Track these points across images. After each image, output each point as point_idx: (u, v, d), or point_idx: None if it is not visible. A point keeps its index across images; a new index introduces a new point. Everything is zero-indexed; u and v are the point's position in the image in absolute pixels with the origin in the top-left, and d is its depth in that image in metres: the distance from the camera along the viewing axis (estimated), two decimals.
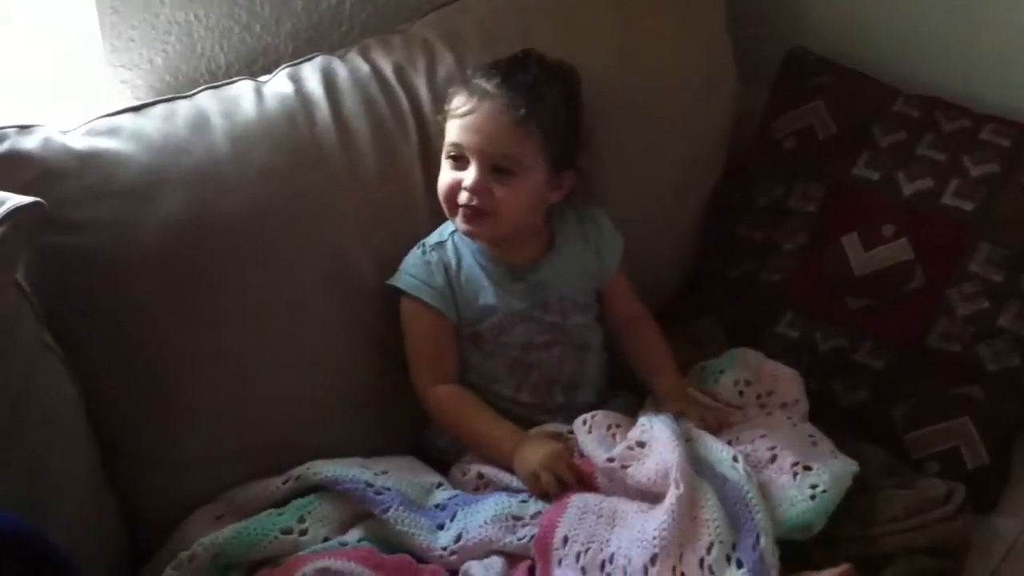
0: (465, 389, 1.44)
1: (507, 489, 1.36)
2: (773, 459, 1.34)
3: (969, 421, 1.50)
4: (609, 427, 1.40)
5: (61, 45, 1.42)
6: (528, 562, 1.28)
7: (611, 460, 1.32)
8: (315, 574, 1.22)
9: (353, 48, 1.55)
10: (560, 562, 1.25)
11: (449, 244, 1.46)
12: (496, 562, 1.27)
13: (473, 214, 1.41)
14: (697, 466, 1.30)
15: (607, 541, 1.25)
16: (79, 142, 1.32)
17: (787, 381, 1.48)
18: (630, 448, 1.33)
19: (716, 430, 1.40)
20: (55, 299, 1.29)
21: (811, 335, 1.61)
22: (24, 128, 1.30)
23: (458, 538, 1.29)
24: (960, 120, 1.63)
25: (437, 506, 1.34)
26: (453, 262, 1.45)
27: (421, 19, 1.61)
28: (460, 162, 1.42)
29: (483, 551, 1.29)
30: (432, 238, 1.47)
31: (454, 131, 1.42)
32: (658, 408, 1.44)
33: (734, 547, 1.21)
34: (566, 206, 1.51)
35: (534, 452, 1.35)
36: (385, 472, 1.36)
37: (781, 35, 1.83)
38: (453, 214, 1.43)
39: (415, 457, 1.44)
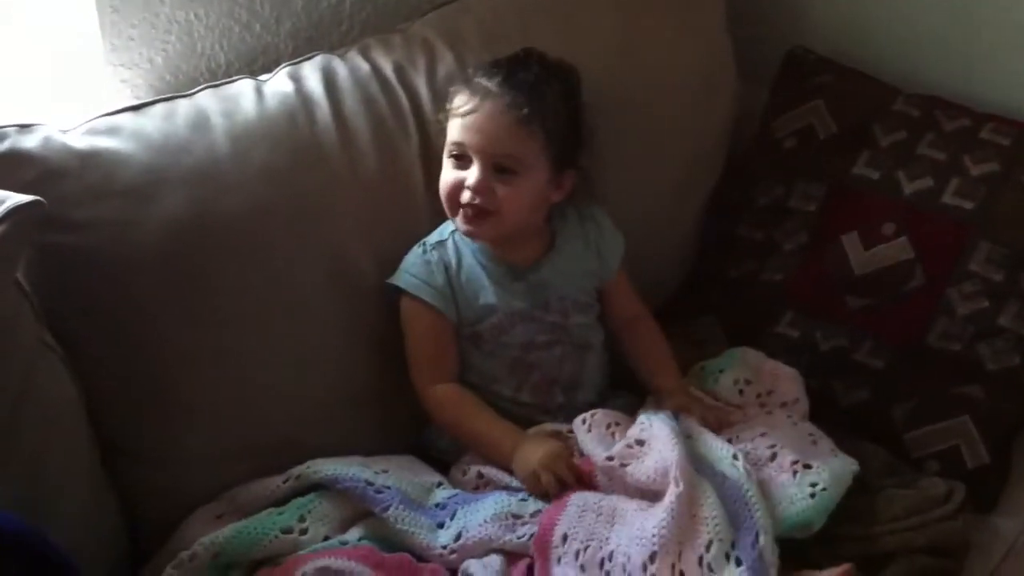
0: (465, 389, 1.44)
1: (507, 488, 1.36)
2: (773, 457, 1.34)
3: (969, 420, 1.50)
4: (608, 426, 1.40)
5: (61, 45, 1.42)
6: (527, 560, 1.28)
7: (610, 459, 1.32)
8: (315, 573, 1.22)
9: (353, 47, 1.55)
10: (559, 560, 1.25)
11: (450, 243, 1.46)
12: (495, 560, 1.27)
13: (475, 214, 1.41)
14: (697, 464, 1.30)
15: (606, 539, 1.25)
16: (79, 141, 1.32)
17: (787, 380, 1.48)
18: (629, 446, 1.33)
19: (716, 429, 1.40)
20: (55, 298, 1.29)
21: (811, 335, 1.61)
22: (24, 127, 1.30)
23: (458, 537, 1.29)
24: (960, 119, 1.63)
25: (437, 505, 1.34)
26: (453, 261, 1.45)
27: (421, 18, 1.61)
28: (462, 161, 1.41)
29: (483, 550, 1.29)
30: (433, 237, 1.47)
31: (456, 130, 1.41)
32: (659, 405, 1.44)
33: (733, 545, 1.21)
34: (567, 205, 1.51)
35: (533, 452, 1.35)
36: (385, 471, 1.36)
37: (781, 34, 1.83)
38: (454, 214, 1.43)
39: (415, 457, 1.44)
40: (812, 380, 1.51)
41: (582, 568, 1.24)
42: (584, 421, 1.40)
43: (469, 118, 1.40)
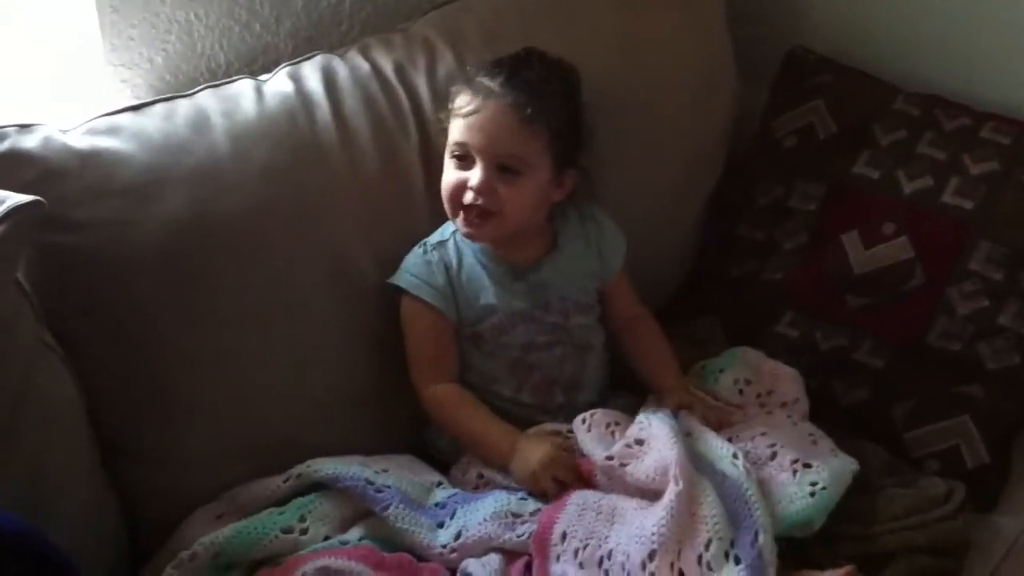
0: (464, 389, 1.44)
1: (507, 488, 1.36)
2: (773, 456, 1.34)
3: (969, 420, 1.50)
4: (608, 425, 1.40)
5: (61, 45, 1.42)
6: (525, 558, 1.28)
7: (610, 458, 1.32)
8: (315, 573, 1.22)
9: (353, 47, 1.55)
10: (558, 558, 1.25)
11: (451, 243, 1.46)
12: (493, 559, 1.27)
13: (477, 215, 1.40)
14: (696, 462, 1.30)
15: (606, 537, 1.25)
16: (79, 141, 1.32)
17: (787, 380, 1.48)
18: (628, 446, 1.33)
19: (717, 428, 1.40)
20: (55, 298, 1.29)
21: (811, 334, 1.61)
22: (25, 127, 1.30)
23: (458, 536, 1.29)
24: (960, 118, 1.63)
25: (437, 504, 1.34)
26: (454, 261, 1.45)
27: (422, 17, 1.61)
28: (465, 161, 1.41)
29: (482, 548, 1.29)
30: (434, 237, 1.47)
31: (459, 130, 1.41)
32: (660, 403, 1.44)
33: (732, 543, 1.21)
34: (567, 205, 1.50)
35: (532, 454, 1.35)
36: (385, 470, 1.36)
37: (781, 34, 1.83)
38: (455, 215, 1.43)
39: (415, 456, 1.44)
40: (812, 380, 1.51)
41: (580, 566, 1.24)
42: (584, 421, 1.40)
43: (472, 118, 1.40)
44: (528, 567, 1.27)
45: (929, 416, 1.52)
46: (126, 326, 1.32)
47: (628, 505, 1.28)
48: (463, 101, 1.41)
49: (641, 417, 1.38)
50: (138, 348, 1.33)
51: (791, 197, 1.68)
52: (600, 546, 1.25)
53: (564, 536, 1.26)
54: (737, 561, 1.19)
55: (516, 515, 1.30)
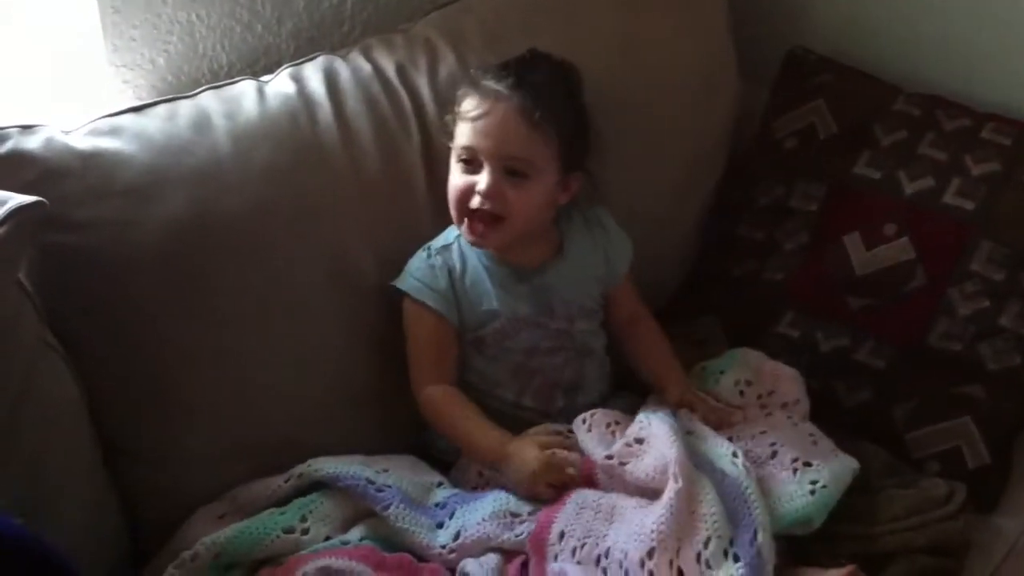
0: (458, 391, 1.43)
1: (506, 487, 1.35)
2: (773, 455, 1.35)
3: (970, 421, 1.50)
4: (608, 425, 1.40)
5: (62, 45, 1.42)
6: (522, 557, 1.28)
7: (610, 457, 1.33)
8: (316, 573, 1.22)
9: (355, 48, 1.55)
10: (556, 557, 1.26)
11: (455, 248, 1.46)
12: (491, 559, 1.28)
13: (483, 223, 1.40)
14: (696, 461, 1.30)
15: (604, 536, 1.25)
16: (81, 142, 1.32)
17: (787, 381, 1.48)
18: (628, 445, 1.33)
19: (717, 428, 1.40)
20: (57, 298, 1.30)
21: (812, 335, 1.61)
22: (26, 128, 1.30)
23: (457, 536, 1.30)
24: (961, 119, 1.63)
25: (437, 504, 1.34)
26: (458, 266, 1.45)
27: (423, 18, 1.61)
28: (472, 165, 1.40)
29: (481, 548, 1.29)
30: (438, 241, 1.47)
31: (466, 134, 1.40)
32: (662, 401, 1.44)
33: (731, 542, 1.21)
34: (572, 208, 1.50)
35: (525, 460, 1.34)
36: (386, 470, 1.36)
37: (782, 34, 1.82)
38: (461, 220, 1.42)
39: (416, 456, 1.44)
40: (813, 380, 1.51)
41: (579, 564, 1.24)
42: (584, 421, 1.40)
43: (480, 122, 1.39)
44: (525, 566, 1.27)
45: (930, 417, 1.52)
46: (127, 326, 1.32)
47: (628, 504, 1.28)
48: (470, 105, 1.40)
49: (641, 416, 1.38)
50: (138, 348, 1.33)
51: (792, 197, 1.68)
52: (597, 544, 1.25)
53: (562, 535, 1.26)
54: (736, 559, 1.19)
55: (514, 515, 1.31)
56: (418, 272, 1.44)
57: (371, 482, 1.33)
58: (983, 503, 1.47)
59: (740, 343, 1.58)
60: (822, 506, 1.29)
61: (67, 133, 1.33)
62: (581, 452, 1.37)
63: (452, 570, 1.28)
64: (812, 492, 1.29)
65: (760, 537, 1.21)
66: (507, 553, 1.29)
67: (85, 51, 1.43)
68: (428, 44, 1.56)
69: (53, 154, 1.30)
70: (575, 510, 1.28)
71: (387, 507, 1.31)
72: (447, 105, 1.49)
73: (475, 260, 1.45)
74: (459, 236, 1.45)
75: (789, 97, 1.74)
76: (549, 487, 1.32)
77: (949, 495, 1.39)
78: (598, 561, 1.24)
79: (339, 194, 1.43)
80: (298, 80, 1.47)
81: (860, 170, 1.65)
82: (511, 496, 1.33)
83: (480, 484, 1.39)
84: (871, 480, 1.39)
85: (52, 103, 1.42)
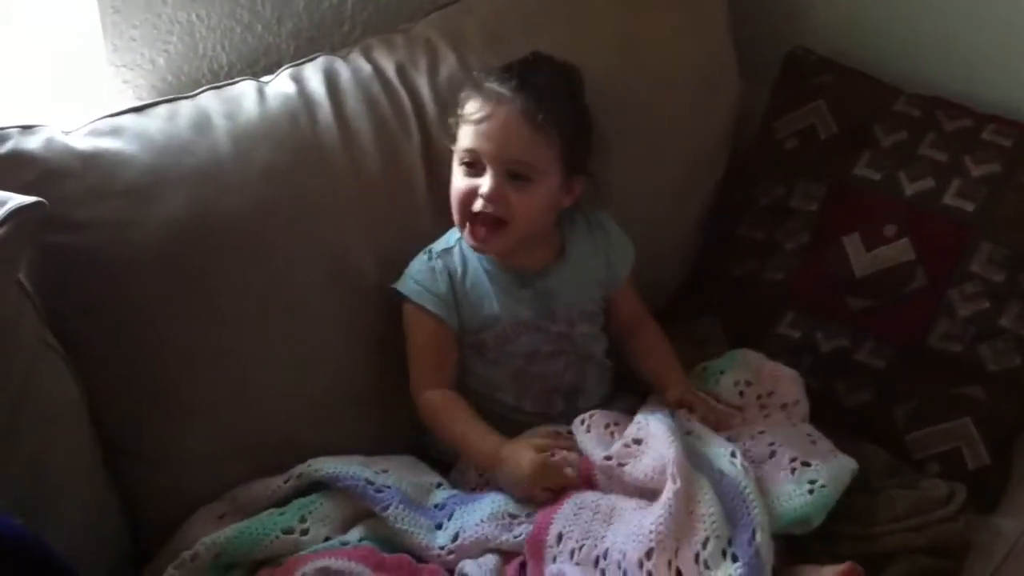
0: (457, 396, 1.42)
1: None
2: (772, 455, 1.35)
3: (970, 422, 1.50)
4: (607, 426, 1.40)
5: (62, 45, 1.42)
6: (521, 558, 1.28)
7: (608, 458, 1.33)
8: (316, 573, 1.22)
9: (355, 48, 1.55)
10: (554, 559, 1.26)
11: (456, 251, 1.45)
12: (489, 560, 1.28)
13: (485, 228, 1.39)
14: (694, 461, 1.30)
15: (602, 537, 1.25)
16: (81, 142, 1.33)
17: (787, 382, 1.48)
18: (627, 446, 1.33)
19: (716, 429, 1.40)
20: (57, 298, 1.30)
21: (812, 335, 1.61)
22: (27, 128, 1.30)
23: (455, 537, 1.30)
24: (961, 120, 1.63)
25: (436, 505, 1.34)
26: (459, 270, 1.44)
27: (424, 18, 1.61)
28: (475, 168, 1.40)
29: (480, 549, 1.29)
30: (439, 244, 1.46)
31: (469, 137, 1.40)
32: (662, 401, 1.44)
33: (730, 542, 1.21)
34: (575, 211, 1.50)
35: (519, 464, 1.33)
36: (385, 471, 1.36)
37: (782, 35, 1.82)
38: (463, 224, 1.41)
39: (416, 457, 1.44)
40: (814, 381, 1.52)
41: (577, 566, 1.24)
42: (583, 422, 1.40)
43: (483, 125, 1.38)
44: (524, 567, 1.27)
45: (930, 418, 1.52)
46: (127, 326, 1.32)
47: (627, 505, 1.28)
48: (473, 107, 1.40)
49: (639, 417, 1.38)
50: (138, 348, 1.33)
51: (792, 197, 1.68)
52: (596, 545, 1.25)
53: (560, 537, 1.26)
54: (734, 559, 1.19)
55: (513, 516, 1.31)
56: (419, 275, 1.44)
57: (370, 483, 1.33)
58: (983, 504, 1.47)
59: (740, 343, 1.58)
60: (820, 506, 1.29)
61: (67, 133, 1.33)
62: (580, 453, 1.37)
63: (451, 571, 1.28)
64: (811, 492, 1.29)
65: (758, 537, 1.21)
66: (506, 554, 1.29)
67: (85, 51, 1.43)
68: (428, 44, 1.56)
69: (53, 154, 1.30)
70: (573, 511, 1.28)
71: (386, 508, 1.31)
72: (447, 105, 1.49)
73: (476, 264, 1.45)
74: (460, 239, 1.45)
75: (789, 97, 1.74)
76: (545, 490, 1.32)
77: (949, 496, 1.40)
78: (596, 562, 1.24)
79: (339, 194, 1.43)
80: (298, 80, 1.47)
81: (860, 171, 1.65)
82: (510, 497, 1.33)
83: (479, 485, 1.38)
84: (871, 480, 1.39)
85: (52, 103, 1.42)
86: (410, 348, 1.44)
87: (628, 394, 1.52)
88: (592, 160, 1.47)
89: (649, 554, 1.20)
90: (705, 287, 1.73)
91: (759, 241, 1.69)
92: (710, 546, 1.20)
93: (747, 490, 1.26)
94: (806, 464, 1.32)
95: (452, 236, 1.47)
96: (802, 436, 1.39)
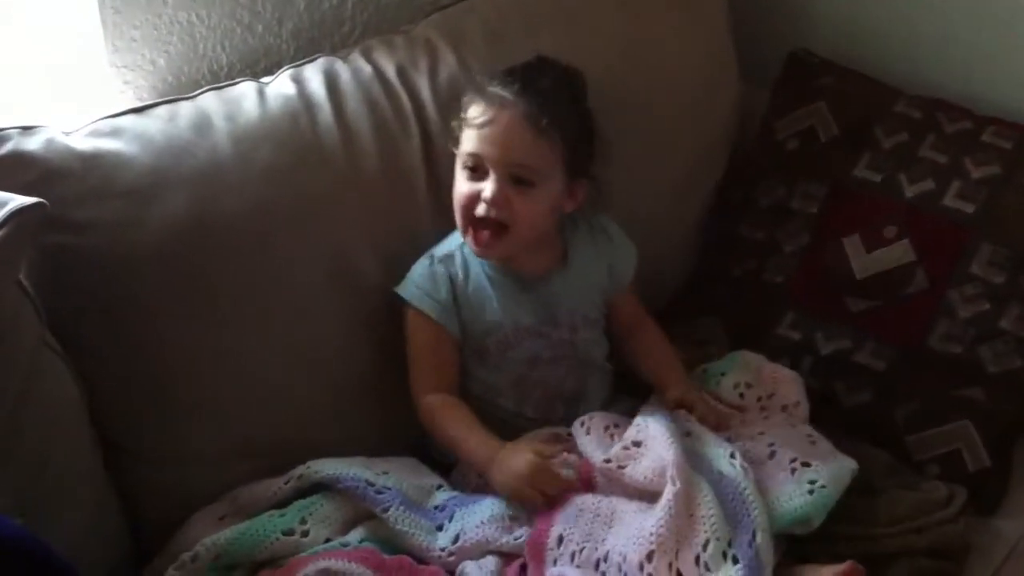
0: (456, 400, 1.42)
1: None
2: (772, 455, 1.35)
3: (970, 423, 1.50)
4: (607, 428, 1.40)
5: (63, 46, 1.42)
6: (521, 560, 1.28)
7: (608, 461, 1.33)
8: (316, 575, 1.22)
9: (355, 49, 1.55)
10: (555, 562, 1.26)
11: (458, 256, 1.45)
12: (490, 561, 1.28)
13: (488, 233, 1.39)
14: (694, 462, 1.30)
15: (603, 540, 1.25)
16: (82, 143, 1.33)
17: (787, 383, 1.48)
18: (626, 448, 1.33)
19: (715, 429, 1.40)
20: (57, 299, 1.29)
21: (812, 336, 1.61)
22: (27, 129, 1.30)
23: (456, 539, 1.30)
24: (962, 122, 1.63)
25: (436, 507, 1.34)
26: (461, 275, 1.44)
27: (424, 19, 1.61)
28: (478, 173, 1.39)
29: (480, 551, 1.29)
30: (441, 249, 1.46)
31: (472, 141, 1.39)
32: (663, 401, 1.44)
33: (730, 543, 1.21)
34: (577, 216, 1.49)
35: (513, 465, 1.32)
36: (386, 472, 1.36)
37: (783, 36, 1.83)
38: (466, 229, 1.41)
39: (417, 459, 1.44)
40: (814, 382, 1.52)
41: (578, 568, 1.24)
42: (583, 424, 1.40)
43: (486, 129, 1.38)
44: (524, 568, 1.27)
45: (930, 419, 1.52)
46: (127, 326, 1.32)
47: (628, 508, 1.28)
48: (476, 111, 1.39)
49: (638, 419, 1.38)
50: (139, 348, 1.33)
51: (793, 198, 1.68)
52: (597, 548, 1.25)
53: (561, 539, 1.26)
54: (735, 561, 1.20)
55: (514, 518, 1.31)
56: (420, 280, 1.43)
57: (371, 484, 1.32)
58: (983, 506, 1.47)
59: (740, 344, 1.58)
60: (821, 506, 1.29)
61: (68, 134, 1.33)
62: (580, 455, 1.37)
63: (451, 573, 1.28)
64: (811, 492, 1.29)
65: (759, 538, 1.21)
66: (506, 556, 1.29)
67: (86, 52, 1.43)
68: (429, 45, 1.56)
69: (54, 155, 1.30)
70: (574, 514, 1.28)
71: (387, 509, 1.31)
72: (448, 106, 1.49)
73: (478, 269, 1.44)
74: (463, 244, 1.44)
75: (790, 99, 1.74)
76: (539, 493, 1.30)
77: (949, 498, 1.40)
78: (597, 565, 1.24)
79: (339, 195, 1.43)
80: (298, 81, 1.47)
81: (861, 172, 1.65)
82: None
83: (480, 487, 1.38)
84: (872, 482, 1.39)
85: (52, 104, 1.42)
86: (411, 352, 1.43)
87: (628, 396, 1.52)
88: (595, 164, 1.46)
89: (650, 556, 1.20)
90: (705, 287, 1.73)
91: (759, 242, 1.69)
92: (710, 548, 1.20)
93: (747, 491, 1.26)
94: (806, 464, 1.33)
95: (454, 241, 1.46)
96: (802, 437, 1.40)
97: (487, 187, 1.37)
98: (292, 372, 1.40)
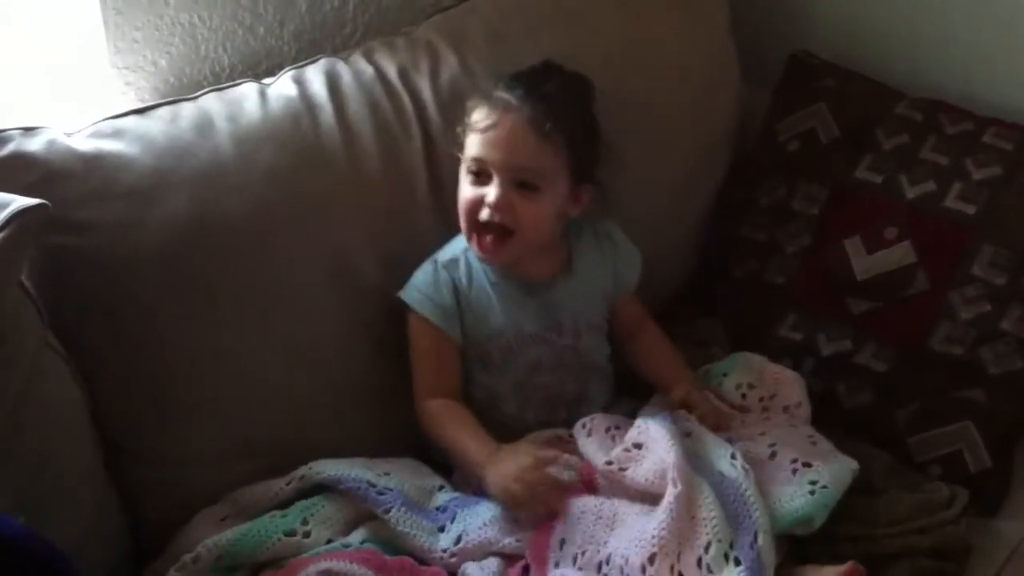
0: (457, 404, 1.41)
1: None
2: (772, 456, 1.35)
3: (971, 425, 1.50)
4: (608, 429, 1.40)
5: (64, 47, 1.42)
6: (523, 562, 1.28)
7: (609, 463, 1.33)
8: (318, 575, 1.22)
9: (357, 50, 1.55)
10: (557, 564, 1.25)
11: (462, 261, 1.44)
12: (492, 563, 1.27)
13: (492, 239, 1.39)
14: (695, 463, 1.30)
15: (604, 543, 1.25)
16: (84, 144, 1.33)
17: (789, 384, 1.48)
18: (627, 450, 1.33)
19: (715, 430, 1.40)
20: (58, 300, 1.30)
21: (813, 337, 1.61)
22: (29, 130, 1.31)
23: (458, 540, 1.29)
24: (963, 123, 1.63)
25: (438, 508, 1.34)
26: (464, 281, 1.43)
27: (426, 20, 1.61)
28: (482, 178, 1.39)
29: (482, 552, 1.29)
30: (445, 254, 1.45)
31: (476, 146, 1.39)
32: (665, 400, 1.44)
33: (732, 545, 1.21)
34: (581, 221, 1.49)
35: (507, 469, 1.30)
36: (387, 473, 1.36)
37: (784, 38, 1.83)
38: (471, 234, 1.40)
39: (418, 460, 1.44)
40: (815, 383, 1.52)
41: (579, 570, 1.24)
42: (584, 425, 1.40)
43: (489, 133, 1.37)
44: (527, 570, 1.27)
45: (932, 420, 1.52)
46: (128, 326, 1.33)
47: (630, 510, 1.28)
48: (480, 115, 1.39)
49: (639, 421, 1.38)
50: (139, 348, 1.33)
51: (794, 199, 1.68)
52: (599, 551, 1.25)
53: (563, 542, 1.26)
54: (737, 563, 1.20)
55: (516, 519, 1.30)
56: (423, 285, 1.43)
57: (372, 485, 1.32)
58: (984, 507, 1.47)
59: (741, 345, 1.58)
60: (822, 506, 1.29)
61: (69, 135, 1.33)
62: (581, 457, 1.37)
63: (453, 574, 1.28)
64: (812, 492, 1.29)
65: (760, 540, 1.21)
66: (508, 558, 1.28)
67: (87, 53, 1.43)
68: (430, 47, 1.56)
69: (55, 156, 1.30)
70: (576, 516, 1.28)
71: (388, 510, 1.31)
72: (449, 108, 1.49)
73: (482, 275, 1.44)
74: (467, 249, 1.44)
75: (791, 100, 1.74)
76: (533, 496, 1.28)
77: (951, 499, 1.40)
78: (599, 568, 1.24)
79: (340, 196, 1.44)
80: (300, 82, 1.47)
81: (862, 174, 1.65)
82: None
83: (482, 488, 1.38)
84: (873, 483, 1.39)
85: (54, 105, 1.42)
86: (413, 355, 1.43)
87: (629, 397, 1.52)
88: (600, 169, 1.46)
89: (652, 559, 1.20)
90: (706, 288, 1.73)
91: (760, 243, 1.69)
92: (712, 550, 1.20)
93: (748, 492, 1.26)
94: (807, 465, 1.33)
95: (459, 245, 1.46)
96: (803, 437, 1.40)
97: (491, 192, 1.37)
98: (292, 372, 1.40)
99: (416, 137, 1.50)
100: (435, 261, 1.44)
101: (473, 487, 1.39)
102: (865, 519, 1.34)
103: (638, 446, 1.33)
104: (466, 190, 1.40)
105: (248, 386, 1.38)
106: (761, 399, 1.48)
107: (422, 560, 1.30)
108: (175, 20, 1.48)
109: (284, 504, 1.34)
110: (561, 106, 1.38)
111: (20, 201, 1.15)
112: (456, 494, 1.37)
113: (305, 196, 1.41)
